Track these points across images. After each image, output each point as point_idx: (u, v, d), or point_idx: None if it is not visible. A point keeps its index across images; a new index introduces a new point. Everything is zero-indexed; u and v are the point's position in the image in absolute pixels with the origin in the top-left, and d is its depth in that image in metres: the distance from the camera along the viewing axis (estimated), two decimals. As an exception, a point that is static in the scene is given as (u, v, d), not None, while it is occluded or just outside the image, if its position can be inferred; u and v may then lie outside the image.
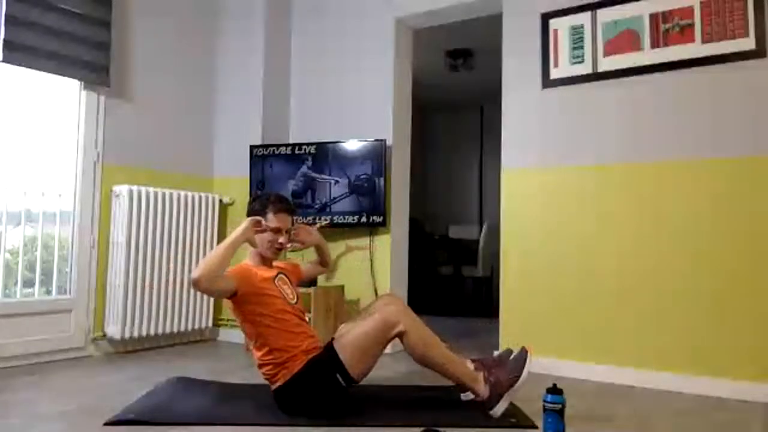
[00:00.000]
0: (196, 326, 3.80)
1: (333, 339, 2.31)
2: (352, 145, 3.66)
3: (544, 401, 2.03)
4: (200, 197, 3.82)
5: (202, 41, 4.13)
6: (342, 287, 3.71)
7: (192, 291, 3.74)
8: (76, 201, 3.39)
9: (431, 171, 7.21)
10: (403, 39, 3.85)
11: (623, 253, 2.96)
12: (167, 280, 3.59)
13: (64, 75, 3.27)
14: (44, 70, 3.18)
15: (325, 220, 3.63)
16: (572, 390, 2.42)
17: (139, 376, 2.86)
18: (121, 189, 3.44)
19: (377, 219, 3.59)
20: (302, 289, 3.39)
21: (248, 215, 2.40)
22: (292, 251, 3.25)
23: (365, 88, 3.83)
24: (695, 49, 2.84)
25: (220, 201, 3.98)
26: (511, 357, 2.27)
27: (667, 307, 2.84)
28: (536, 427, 2.10)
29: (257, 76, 4.02)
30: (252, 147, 3.89)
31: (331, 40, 4.02)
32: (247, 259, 2.42)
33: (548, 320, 3.14)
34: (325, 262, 2.83)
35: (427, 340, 2.24)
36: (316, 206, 3.74)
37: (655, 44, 2.94)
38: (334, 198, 3.69)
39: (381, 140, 3.60)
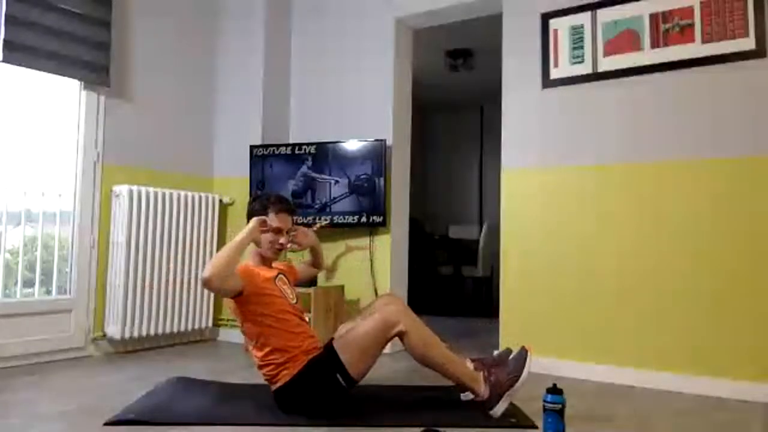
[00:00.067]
0: (196, 326, 3.80)
1: (333, 339, 2.32)
2: (352, 145, 3.66)
3: (544, 401, 2.03)
4: (200, 197, 3.82)
5: (202, 41, 4.13)
6: (342, 287, 3.71)
7: (192, 291, 3.75)
8: (76, 201, 3.39)
9: (431, 171, 7.22)
10: (403, 39, 3.85)
11: (623, 253, 2.96)
12: (167, 280, 3.59)
13: (64, 75, 3.27)
14: (44, 70, 3.18)
15: (325, 220, 3.63)
16: (572, 390, 2.42)
17: (139, 376, 2.86)
18: (121, 189, 3.44)
19: (377, 219, 3.59)
20: (302, 289, 3.41)
21: (248, 215, 2.42)
22: (292, 252, 3.25)
23: (365, 88, 3.83)
24: (695, 49, 2.84)
25: (220, 201, 3.98)
26: (511, 357, 2.27)
27: (667, 307, 2.84)
28: (536, 427, 2.10)
29: (257, 76, 4.02)
30: (252, 147, 3.89)
31: (331, 40, 4.02)
32: (247, 259, 2.42)
33: (548, 320, 3.14)
34: (318, 264, 2.85)
35: (427, 339, 2.24)
36: (316, 206, 3.74)
37: (655, 44, 2.94)
38: (334, 198, 3.69)
39: (381, 140, 3.60)
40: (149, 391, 2.52)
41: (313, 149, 3.75)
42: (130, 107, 3.66)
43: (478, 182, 7.00)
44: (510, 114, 3.36)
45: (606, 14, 3.08)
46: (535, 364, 2.29)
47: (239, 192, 3.99)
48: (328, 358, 2.21)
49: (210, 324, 3.91)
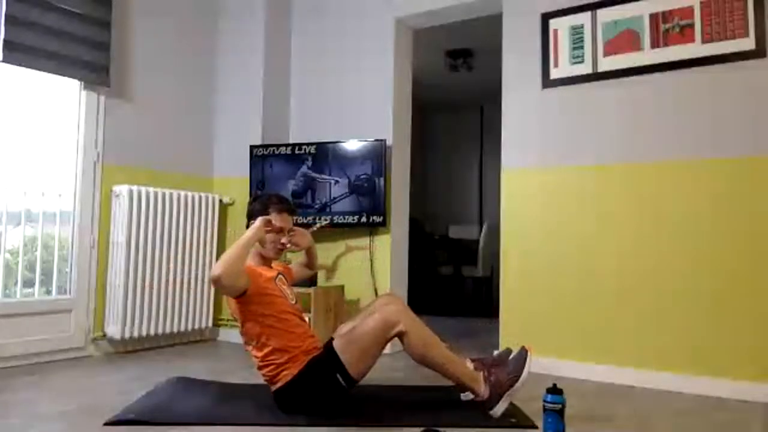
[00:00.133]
0: (196, 326, 3.80)
1: (332, 339, 2.31)
2: (352, 145, 3.66)
3: (544, 401, 2.03)
4: (200, 197, 3.82)
5: (202, 41, 4.13)
6: (342, 287, 3.71)
7: (192, 291, 3.75)
8: (76, 201, 3.39)
9: (431, 171, 7.22)
10: (403, 39, 3.85)
11: (623, 253, 2.96)
12: (167, 280, 3.59)
13: (64, 75, 3.27)
14: (44, 70, 3.18)
15: (325, 220, 3.63)
16: (572, 390, 2.42)
17: (139, 376, 2.86)
18: (121, 189, 3.44)
19: (377, 219, 3.59)
20: (302, 289, 3.41)
21: (249, 216, 2.42)
22: (290, 252, 3.25)
23: (365, 88, 3.83)
24: (695, 49, 2.84)
25: (220, 201, 3.98)
26: (511, 357, 2.27)
27: (667, 307, 2.84)
28: (536, 427, 2.10)
29: (257, 76, 4.02)
30: (252, 147, 3.89)
31: (331, 40, 4.02)
32: (248, 259, 2.40)
33: (548, 320, 3.14)
34: (312, 265, 2.86)
35: (427, 339, 2.24)
36: (316, 206, 3.74)
37: (655, 44, 2.94)
38: (334, 198, 3.69)
39: (381, 140, 3.60)
40: (149, 391, 2.52)
41: (313, 149, 3.75)
42: (130, 107, 3.66)
43: (478, 182, 7.00)
44: (510, 114, 3.36)
45: (606, 14, 3.08)
46: (535, 364, 2.28)
47: (239, 192, 3.99)
48: (328, 358, 2.20)
49: (210, 324, 3.91)
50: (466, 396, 2.29)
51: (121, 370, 3.03)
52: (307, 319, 2.50)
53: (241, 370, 3.03)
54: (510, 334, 3.22)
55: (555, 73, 3.21)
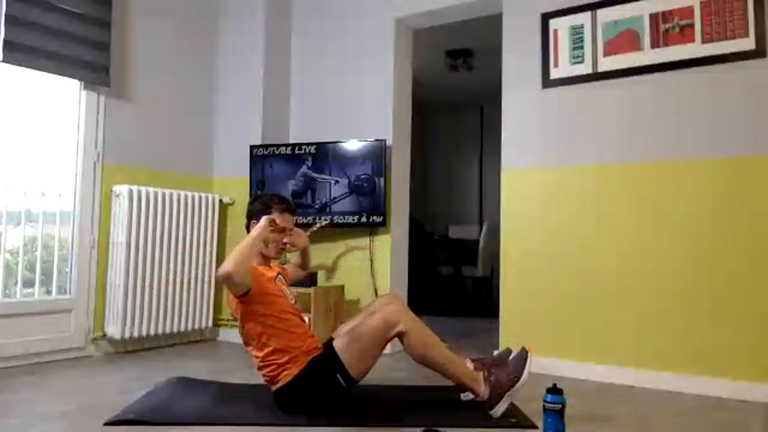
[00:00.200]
0: (196, 326, 3.80)
1: (332, 339, 2.31)
2: (352, 145, 3.66)
3: (544, 401, 2.02)
4: (200, 197, 3.82)
5: (202, 41, 4.13)
6: (342, 287, 3.71)
7: (192, 291, 3.74)
8: (76, 201, 3.39)
9: (431, 171, 7.22)
10: (403, 39, 3.85)
11: (623, 253, 2.96)
12: (167, 280, 3.59)
13: (64, 75, 3.27)
14: (44, 70, 3.18)
15: (325, 220, 3.63)
16: (572, 390, 2.42)
17: (139, 376, 2.86)
18: (121, 189, 3.44)
19: (377, 219, 3.59)
20: (302, 289, 3.41)
21: (250, 215, 2.41)
22: (288, 252, 3.25)
23: (365, 88, 3.83)
24: (695, 49, 2.84)
25: (220, 201, 3.98)
26: (511, 357, 2.27)
27: (667, 307, 2.84)
28: (536, 427, 2.10)
29: (257, 76, 4.02)
30: (252, 147, 3.89)
31: (331, 40, 4.02)
32: None
33: (548, 320, 3.14)
34: (306, 265, 2.90)
35: (427, 339, 2.24)
36: (316, 206, 3.74)
37: (655, 44, 2.94)
38: (334, 198, 3.69)
39: (381, 140, 3.60)
40: (149, 391, 2.52)
41: (313, 149, 3.75)
42: (130, 107, 3.66)
43: (478, 182, 7.00)
44: (510, 114, 3.36)
45: (606, 14, 3.08)
46: (535, 364, 2.28)
47: (239, 192, 3.99)
48: (328, 358, 2.20)
49: (210, 324, 3.91)
50: (466, 396, 2.29)
51: (121, 370, 3.03)
52: (306, 319, 2.50)
53: (241, 370, 3.03)
54: (510, 334, 3.22)
55: (555, 73, 3.21)
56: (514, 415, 2.21)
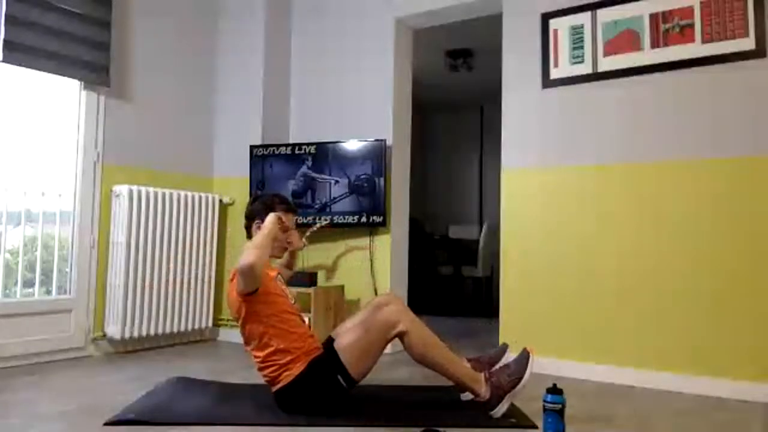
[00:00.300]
0: (196, 326, 3.80)
1: (333, 340, 2.31)
2: (352, 145, 3.66)
3: (544, 401, 2.02)
4: (200, 197, 3.82)
5: (202, 41, 4.13)
6: (342, 287, 3.71)
7: (192, 291, 3.75)
8: (76, 201, 3.39)
9: (431, 171, 7.22)
10: (403, 39, 3.85)
11: (623, 253, 2.97)
12: (167, 280, 3.59)
13: (64, 75, 3.27)
14: (44, 70, 3.18)
15: (325, 220, 3.63)
16: (572, 390, 2.42)
17: (139, 376, 2.86)
18: (121, 189, 3.44)
19: (377, 219, 3.59)
20: (302, 289, 3.42)
21: (252, 215, 2.39)
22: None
23: (365, 88, 3.83)
24: (695, 49, 2.84)
25: (220, 201, 3.98)
26: (513, 358, 2.27)
27: (667, 307, 2.84)
28: (536, 427, 2.10)
29: (257, 76, 4.02)
30: (252, 147, 3.89)
31: (331, 40, 4.02)
32: None
33: (548, 320, 3.14)
34: (293, 265, 2.97)
35: (427, 340, 2.24)
36: (316, 206, 3.74)
37: (655, 44, 2.94)
38: (334, 198, 3.69)
39: (381, 140, 3.60)
40: (149, 391, 2.52)
41: (313, 149, 3.75)
42: (130, 107, 3.66)
43: (478, 182, 7.00)
44: (510, 114, 3.36)
45: (606, 14, 3.08)
46: (534, 364, 2.28)
47: (239, 192, 3.99)
48: (328, 359, 2.20)
49: (210, 324, 3.91)
50: (466, 396, 2.29)
51: (121, 370, 3.03)
52: (306, 319, 2.50)
53: (241, 370, 3.03)
54: (510, 334, 3.21)
55: (555, 73, 3.21)
56: (514, 415, 2.21)
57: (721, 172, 2.76)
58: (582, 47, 3.14)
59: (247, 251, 2.11)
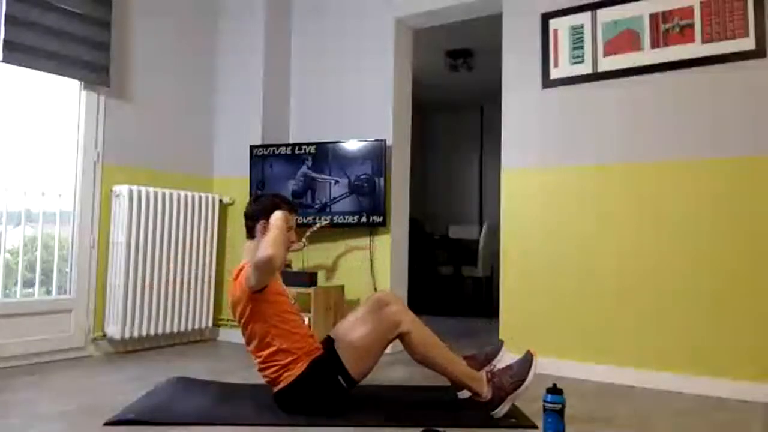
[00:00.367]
0: (196, 326, 3.80)
1: (333, 340, 2.30)
2: (352, 145, 3.66)
3: (544, 401, 2.02)
4: (200, 197, 3.82)
5: (202, 41, 4.13)
6: (342, 287, 3.71)
7: (192, 291, 3.75)
8: (76, 201, 3.39)
9: (431, 171, 7.22)
10: (403, 39, 3.85)
11: (623, 253, 2.96)
12: (167, 280, 3.59)
13: (64, 75, 3.27)
14: (44, 70, 3.18)
15: (325, 220, 3.63)
16: (572, 390, 2.42)
17: (139, 376, 2.86)
18: (121, 189, 3.44)
19: (377, 219, 3.59)
20: (302, 289, 3.42)
21: (255, 215, 2.35)
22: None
23: (365, 88, 3.83)
24: (695, 49, 2.84)
25: (220, 201, 3.98)
26: (516, 360, 2.26)
27: (667, 307, 2.84)
28: (536, 427, 2.10)
29: (257, 76, 4.02)
30: (252, 147, 3.89)
31: (331, 40, 4.02)
32: (248, 257, 2.35)
33: (548, 320, 3.14)
34: (290, 263, 3.01)
35: (428, 340, 2.24)
36: (316, 206, 3.74)
37: (655, 44, 2.94)
38: (334, 198, 3.69)
39: (381, 140, 3.60)
40: (149, 391, 2.52)
41: (313, 149, 3.75)
42: (130, 107, 3.66)
43: (478, 182, 7.00)
44: (510, 114, 3.36)
45: (606, 14, 3.08)
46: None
47: (239, 192, 3.99)
48: (329, 359, 2.20)
49: (210, 324, 3.91)
50: (463, 394, 2.29)
51: (121, 370, 3.03)
52: (306, 319, 2.50)
53: (241, 370, 3.03)
54: (510, 334, 3.21)
55: (555, 73, 3.21)
56: (514, 415, 2.21)
57: (721, 172, 2.76)
58: (582, 47, 3.14)
59: (265, 245, 2.10)
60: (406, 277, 3.87)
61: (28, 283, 3.25)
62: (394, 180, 3.71)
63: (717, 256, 2.75)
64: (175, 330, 3.66)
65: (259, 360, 2.25)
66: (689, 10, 2.86)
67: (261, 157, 3.86)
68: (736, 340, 2.67)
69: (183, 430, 2.05)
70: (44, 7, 3.15)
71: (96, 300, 3.44)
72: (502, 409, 2.17)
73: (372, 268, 3.69)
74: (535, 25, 3.28)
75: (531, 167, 3.27)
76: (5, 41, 2.99)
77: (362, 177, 3.62)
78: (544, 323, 3.15)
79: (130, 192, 3.42)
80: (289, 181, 3.80)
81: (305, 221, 3.64)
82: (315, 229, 3.53)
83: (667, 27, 2.92)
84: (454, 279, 6.10)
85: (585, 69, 3.12)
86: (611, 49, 3.06)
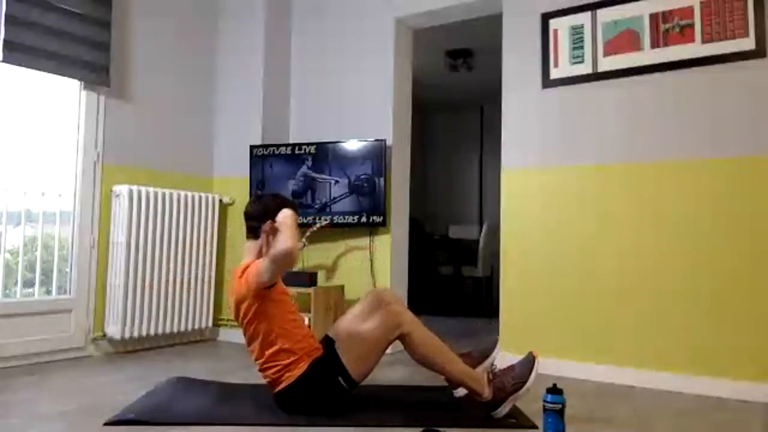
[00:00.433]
0: (196, 326, 3.80)
1: (332, 340, 2.29)
2: (352, 145, 3.66)
3: (544, 401, 2.02)
4: (200, 197, 3.82)
5: (202, 41, 4.13)
6: (342, 287, 3.71)
7: (192, 291, 3.75)
8: (76, 201, 3.39)
9: (431, 171, 7.22)
10: (403, 39, 3.85)
11: (623, 253, 2.96)
12: (167, 280, 3.59)
13: (64, 75, 3.27)
14: (44, 70, 3.18)
15: (325, 220, 3.63)
16: (572, 390, 2.43)
17: (139, 376, 2.86)
18: (121, 189, 3.44)
19: (377, 219, 3.59)
20: (302, 289, 3.42)
21: (262, 215, 2.33)
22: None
23: (365, 88, 3.83)
24: (695, 49, 2.84)
25: (220, 201, 3.98)
26: (518, 361, 2.26)
27: (667, 307, 2.84)
28: (536, 427, 2.10)
29: (257, 76, 4.02)
30: (252, 147, 3.89)
31: (331, 40, 4.03)
32: (250, 257, 2.35)
33: (548, 320, 3.14)
34: None
35: (429, 341, 2.24)
36: (316, 206, 3.74)
37: (655, 44, 2.94)
38: (334, 198, 3.69)
39: (381, 140, 3.60)
40: (149, 391, 2.52)
41: (313, 149, 3.75)
42: (130, 107, 3.66)
43: (478, 182, 7.00)
44: (510, 114, 3.36)
45: (606, 14, 3.08)
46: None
47: (239, 192, 3.99)
48: (329, 360, 2.20)
49: (210, 324, 3.91)
50: (459, 392, 2.29)
51: (121, 370, 3.03)
52: (306, 319, 2.50)
53: (241, 370, 3.03)
54: (510, 334, 3.22)
55: (555, 73, 3.21)
56: (514, 415, 2.20)
57: (721, 172, 2.76)
58: (582, 47, 3.14)
59: (284, 238, 2.11)
60: (406, 277, 3.87)
61: (28, 283, 3.25)
62: (394, 180, 3.72)
63: (717, 256, 2.75)
64: (175, 330, 3.66)
65: (261, 360, 2.24)
66: (689, 10, 2.87)
67: (261, 157, 3.86)
68: (736, 340, 2.67)
69: (183, 430, 2.05)
70: (44, 7, 3.15)
71: (96, 300, 3.44)
72: (502, 410, 2.17)
73: (372, 268, 3.69)
74: (535, 25, 3.28)
75: (531, 167, 3.27)
76: (5, 41, 2.99)
77: (362, 177, 3.62)
78: (544, 323, 3.15)
79: (130, 192, 3.42)
80: (289, 181, 3.80)
81: (305, 221, 3.64)
82: (315, 229, 3.53)
83: (667, 27, 2.92)
84: (454, 279, 6.10)
85: (585, 69, 3.12)
86: (611, 49, 3.06)
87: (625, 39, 3.02)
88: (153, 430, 2.04)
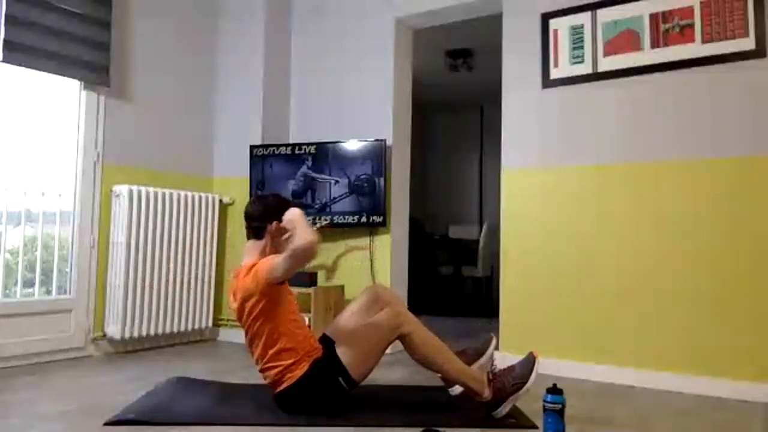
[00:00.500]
0: (196, 326, 3.80)
1: (332, 341, 2.29)
2: (352, 145, 3.66)
3: (544, 401, 2.02)
4: (200, 197, 3.82)
5: (202, 41, 4.13)
6: (342, 287, 3.71)
7: (192, 291, 3.75)
8: (76, 201, 3.39)
9: (431, 171, 7.22)
10: (403, 39, 3.85)
11: (623, 253, 2.96)
12: (167, 280, 3.59)
13: (64, 75, 3.27)
14: (44, 70, 3.18)
15: (326, 220, 3.63)
16: (572, 390, 2.42)
17: (139, 376, 2.86)
18: (121, 189, 3.44)
19: (377, 219, 3.59)
20: (302, 289, 3.42)
21: (266, 215, 2.32)
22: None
23: (365, 88, 3.83)
24: (695, 49, 2.84)
25: (220, 201, 3.98)
26: (518, 362, 2.26)
27: (667, 307, 2.84)
28: (536, 427, 2.10)
29: (257, 76, 4.02)
30: (252, 147, 3.89)
31: (331, 40, 4.03)
32: (251, 257, 2.33)
33: (548, 320, 3.14)
34: None
35: (429, 341, 2.24)
36: (316, 206, 3.74)
37: (655, 44, 2.94)
38: (334, 198, 3.69)
39: (381, 140, 3.60)
40: (149, 391, 2.52)
41: (313, 149, 3.75)
42: (130, 107, 3.66)
43: (478, 182, 7.00)
44: (510, 114, 3.36)
45: (606, 14, 3.08)
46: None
47: (239, 192, 3.99)
48: (330, 361, 2.20)
49: (210, 324, 3.91)
50: (454, 390, 2.28)
51: (121, 370, 3.03)
52: (306, 319, 2.49)
53: (241, 370, 3.03)
54: (510, 334, 3.22)
55: (555, 73, 3.21)
56: (514, 415, 2.20)
57: (721, 172, 2.76)
58: (582, 47, 3.14)
59: (303, 234, 2.09)
60: (406, 277, 3.87)
61: (28, 283, 3.25)
62: (394, 180, 3.72)
63: (717, 256, 2.75)
64: (175, 330, 3.66)
65: (262, 360, 2.23)
66: (689, 10, 2.87)
67: (261, 157, 3.86)
68: (736, 340, 2.67)
69: (183, 430, 2.05)
70: (44, 7, 3.15)
71: (96, 300, 3.44)
72: (502, 410, 2.16)
73: (372, 268, 3.69)
74: (535, 25, 3.28)
75: (531, 167, 3.27)
76: (5, 41, 2.99)
77: (362, 177, 3.62)
78: (544, 323, 3.15)
79: (130, 192, 3.42)
80: (289, 181, 3.80)
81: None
82: (315, 229, 3.52)
83: (667, 27, 2.92)
84: (454, 279, 6.10)
85: (585, 69, 3.12)
86: (611, 49, 3.06)
87: (625, 39, 3.02)
88: (153, 430, 2.04)
